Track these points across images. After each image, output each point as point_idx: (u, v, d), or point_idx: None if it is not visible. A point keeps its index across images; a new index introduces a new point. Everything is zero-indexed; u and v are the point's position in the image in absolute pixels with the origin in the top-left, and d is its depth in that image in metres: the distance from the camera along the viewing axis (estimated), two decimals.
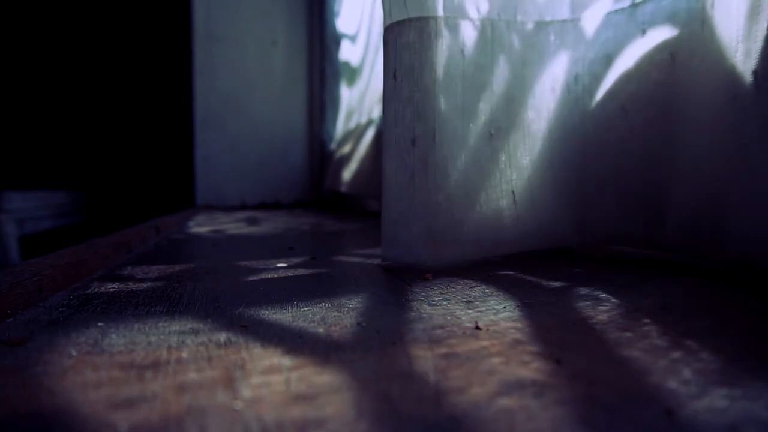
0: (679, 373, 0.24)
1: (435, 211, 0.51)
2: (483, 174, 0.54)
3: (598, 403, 0.21)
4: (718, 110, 0.45)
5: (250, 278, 0.50)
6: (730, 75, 0.43)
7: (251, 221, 1.17)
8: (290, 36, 1.79)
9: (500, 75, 0.54)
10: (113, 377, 0.25)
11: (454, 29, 0.51)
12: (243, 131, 1.76)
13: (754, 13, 0.41)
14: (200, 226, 1.07)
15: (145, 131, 2.15)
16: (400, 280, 0.47)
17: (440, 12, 0.51)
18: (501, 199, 0.55)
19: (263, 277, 0.50)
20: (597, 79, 0.56)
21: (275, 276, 0.51)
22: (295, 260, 0.60)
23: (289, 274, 0.51)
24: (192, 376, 0.25)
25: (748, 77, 0.41)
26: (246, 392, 0.23)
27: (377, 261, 0.57)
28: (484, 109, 0.53)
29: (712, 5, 0.45)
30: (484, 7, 0.53)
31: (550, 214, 0.57)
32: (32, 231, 1.65)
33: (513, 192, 0.55)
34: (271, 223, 1.11)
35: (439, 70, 0.50)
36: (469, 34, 0.52)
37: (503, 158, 0.55)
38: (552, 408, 0.21)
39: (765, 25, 0.40)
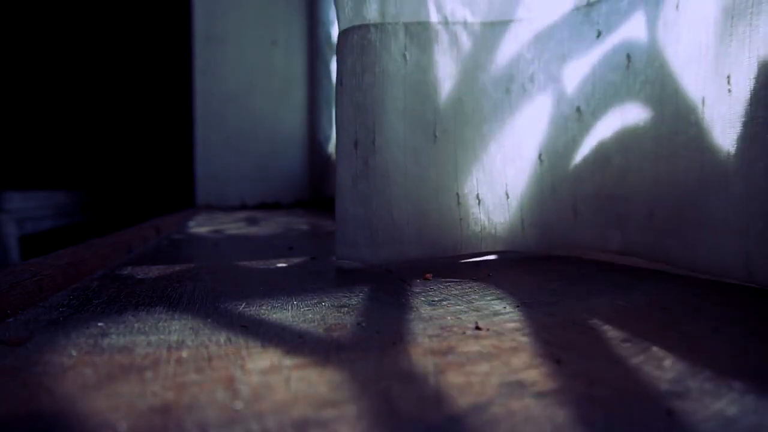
0: (680, 373, 0.24)
1: (376, 212, 0.53)
2: (426, 176, 0.54)
3: (598, 403, 0.21)
4: (679, 115, 0.45)
5: (250, 278, 0.50)
6: (699, 79, 0.43)
7: (251, 221, 1.17)
8: (290, 36, 1.79)
9: (448, 77, 0.54)
10: (113, 377, 0.25)
11: (395, 34, 0.52)
12: (243, 131, 1.76)
13: (727, 15, 0.40)
14: (200, 226, 1.07)
15: (145, 131, 2.15)
16: (400, 280, 0.47)
17: (381, 19, 0.52)
18: (446, 201, 0.55)
19: (263, 277, 0.50)
20: (553, 79, 0.55)
21: (275, 276, 0.51)
22: (295, 260, 0.60)
23: (290, 274, 0.51)
24: (192, 376, 0.25)
25: (721, 81, 0.41)
26: (246, 392, 0.23)
27: (379, 264, 0.57)
28: (429, 111, 0.54)
29: (677, 7, 0.45)
30: (430, 11, 0.54)
31: (501, 217, 0.57)
32: (32, 231, 1.65)
33: (458, 194, 0.55)
34: (271, 224, 1.11)
35: (379, 75, 0.52)
36: (412, 38, 0.53)
37: (448, 160, 0.55)
38: (552, 408, 0.21)
39: (740, 29, 0.39)
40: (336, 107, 0.55)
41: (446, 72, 0.54)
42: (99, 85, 2.13)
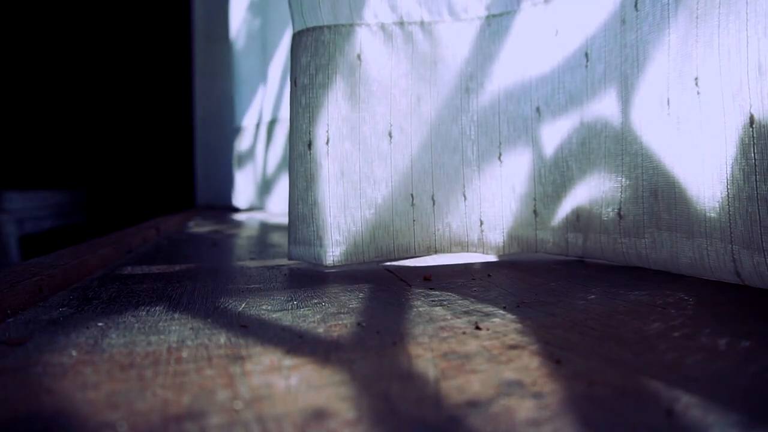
0: (680, 373, 0.24)
1: (330, 212, 0.52)
2: (380, 176, 0.54)
3: (598, 403, 0.21)
4: (645, 117, 0.44)
5: (250, 278, 0.50)
6: (661, 79, 0.42)
7: (251, 221, 1.17)
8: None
9: (404, 77, 0.54)
10: (113, 377, 0.25)
11: (348, 36, 0.52)
12: None
13: (692, 16, 0.40)
14: (200, 226, 1.07)
15: (145, 131, 2.15)
16: (400, 280, 0.47)
17: (336, 20, 0.52)
18: (400, 202, 0.54)
19: (263, 276, 0.50)
20: (513, 79, 0.54)
21: (276, 276, 0.51)
22: (296, 260, 0.60)
23: (290, 274, 0.51)
24: (192, 376, 0.25)
25: (688, 82, 0.40)
26: (246, 392, 0.23)
27: (377, 261, 0.57)
28: (384, 111, 0.54)
29: (634, 5, 0.44)
30: (385, 12, 0.53)
31: (458, 219, 0.56)
32: (32, 231, 1.65)
33: (412, 195, 0.55)
34: (271, 224, 1.10)
35: (333, 76, 0.52)
36: (366, 39, 0.53)
37: (403, 159, 0.54)
38: (552, 408, 0.21)
39: (707, 30, 0.39)
40: (290, 109, 0.55)
41: (402, 71, 0.54)
42: (100, 86, 2.13)
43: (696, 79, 0.40)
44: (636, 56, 0.45)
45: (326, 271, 0.53)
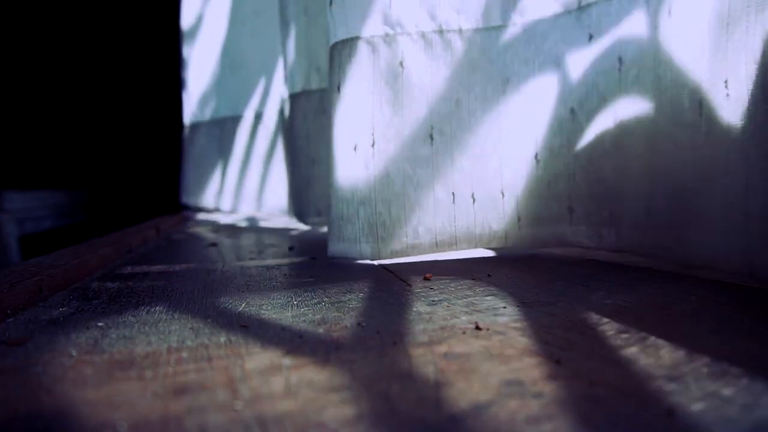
0: (680, 373, 0.24)
1: (375, 210, 0.56)
2: (423, 176, 0.57)
3: (598, 403, 0.21)
4: (675, 118, 0.45)
5: (250, 278, 0.50)
6: (694, 83, 0.43)
7: (251, 221, 1.17)
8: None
9: (444, 82, 0.56)
10: (113, 377, 0.25)
11: (391, 44, 0.55)
12: None
13: (723, 22, 0.41)
14: (200, 226, 1.07)
15: (145, 132, 2.15)
16: (400, 280, 0.47)
17: (379, 30, 0.55)
18: (442, 200, 0.57)
19: (263, 276, 0.50)
20: (548, 81, 0.56)
21: (275, 276, 0.51)
22: (296, 260, 0.60)
23: (290, 274, 0.51)
24: (192, 376, 0.25)
25: (718, 85, 0.41)
26: (246, 392, 0.23)
27: (377, 261, 0.57)
28: (426, 113, 0.56)
29: (669, 12, 0.46)
30: (424, 21, 0.56)
31: (496, 215, 0.58)
32: (32, 231, 1.65)
33: (453, 194, 0.57)
34: (271, 224, 1.11)
35: (378, 82, 0.55)
36: (408, 47, 0.56)
37: (444, 160, 0.57)
38: (552, 408, 0.21)
39: (736, 36, 0.40)
40: (333, 113, 0.57)
41: (442, 76, 0.56)
42: (100, 86, 2.13)
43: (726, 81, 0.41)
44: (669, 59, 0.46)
45: (326, 271, 0.53)
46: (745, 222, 0.39)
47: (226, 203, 1.33)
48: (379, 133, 0.55)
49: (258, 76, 1.24)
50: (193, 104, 1.46)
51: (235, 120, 1.28)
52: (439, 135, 0.57)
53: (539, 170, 0.57)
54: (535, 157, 0.57)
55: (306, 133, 0.86)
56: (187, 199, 1.54)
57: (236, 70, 1.29)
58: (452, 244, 0.58)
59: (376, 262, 0.57)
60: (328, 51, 0.59)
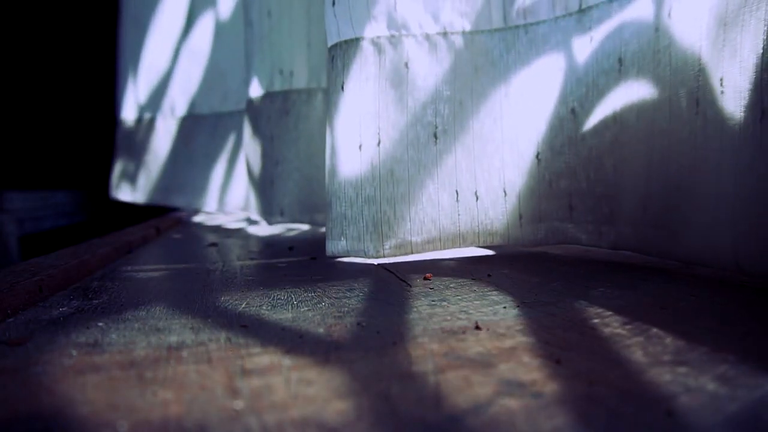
0: (680, 373, 0.24)
1: (381, 208, 0.56)
2: (427, 174, 0.57)
3: (598, 403, 0.21)
4: (672, 116, 0.46)
5: (250, 278, 0.50)
6: (691, 81, 0.44)
7: (251, 222, 1.17)
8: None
9: (447, 83, 0.57)
10: (113, 377, 0.25)
11: (397, 45, 0.56)
12: None
13: (721, 22, 0.41)
14: (200, 225, 1.08)
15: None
16: (400, 279, 0.47)
17: (385, 31, 0.55)
18: (446, 197, 0.57)
19: (263, 276, 0.50)
20: (549, 82, 0.57)
21: (275, 276, 0.51)
22: (295, 260, 0.60)
23: (290, 274, 0.51)
24: (192, 376, 0.25)
25: (715, 84, 0.42)
26: (246, 392, 0.23)
27: (377, 261, 0.57)
28: (430, 114, 0.57)
29: (669, 14, 0.46)
30: (429, 23, 0.56)
31: (500, 212, 0.59)
32: (32, 231, 1.65)
33: (457, 191, 0.58)
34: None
35: (383, 82, 0.55)
36: (413, 48, 0.56)
37: (449, 159, 0.57)
38: (552, 408, 0.21)
39: (732, 35, 0.40)
40: (334, 113, 0.57)
41: (445, 77, 0.57)
42: (100, 86, 2.13)
43: (721, 79, 0.41)
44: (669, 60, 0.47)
45: (326, 270, 0.53)
46: (733, 217, 0.40)
47: (179, 201, 1.30)
48: (384, 133, 0.56)
49: (223, 75, 1.22)
50: (143, 99, 1.42)
51: (197, 118, 1.25)
52: (443, 135, 0.57)
53: (541, 169, 0.58)
54: (537, 156, 0.58)
55: (270, 134, 0.85)
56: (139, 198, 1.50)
57: (200, 68, 1.26)
58: (455, 241, 0.58)
59: (376, 262, 0.57)
60: (328, 50, 0.58)
